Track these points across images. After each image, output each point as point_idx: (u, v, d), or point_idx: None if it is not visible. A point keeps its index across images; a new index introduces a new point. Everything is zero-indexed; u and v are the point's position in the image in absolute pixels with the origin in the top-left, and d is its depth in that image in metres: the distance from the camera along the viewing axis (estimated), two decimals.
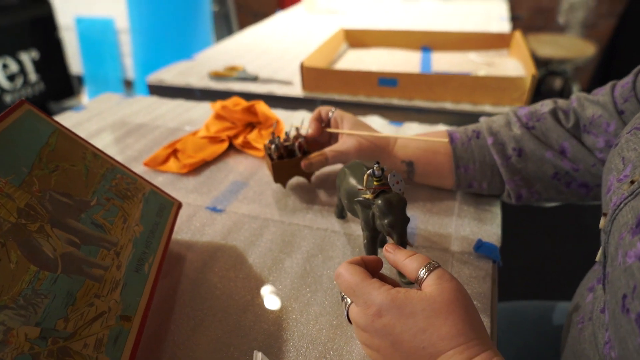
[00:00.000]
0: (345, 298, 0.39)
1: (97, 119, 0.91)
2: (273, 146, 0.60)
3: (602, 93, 0.52)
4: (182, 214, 0.61)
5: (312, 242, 0.55)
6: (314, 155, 0.58)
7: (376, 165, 0.44)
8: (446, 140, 0.55)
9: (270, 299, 0.48)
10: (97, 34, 2.59)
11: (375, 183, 0.44)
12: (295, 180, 0.67)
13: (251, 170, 0.72)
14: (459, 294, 0.33)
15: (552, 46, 2.58)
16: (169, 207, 0.53)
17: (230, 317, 0.45)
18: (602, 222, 0.37)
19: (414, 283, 0.37)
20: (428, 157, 0.59)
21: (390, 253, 0.40)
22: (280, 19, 1.78)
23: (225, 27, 2.87)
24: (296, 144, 0.61)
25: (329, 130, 0.63)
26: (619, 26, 3.07)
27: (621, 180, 0.36)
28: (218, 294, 0.48)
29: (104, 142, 0.81)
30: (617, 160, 0.38)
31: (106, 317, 0.37)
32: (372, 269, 0.39)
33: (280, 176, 0.62)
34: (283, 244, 0.55)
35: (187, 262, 0.53)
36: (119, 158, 0.75)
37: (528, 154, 0.55)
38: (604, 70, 3.15)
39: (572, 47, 2.57)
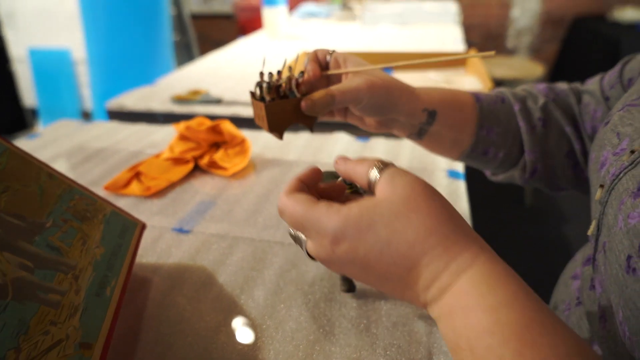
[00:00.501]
0: (297, 234, 0.34)
1: (52, 146, 0.87)
2: (265, 85, 0.45)
3: (592, 82, 0.54)
4: (147, 236, 0.58)
5: (284, 257, 0.54)
6: (318, 94, 0.44)
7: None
8: (492, 52, 0.36)
9: (243, 317, 0.45)
10: (52, 65, 2.52)
11: (347, 191, 0.44)
12: (266, 188, 0.65)
13: (218, 189, 0.70)
14: (418, 187, 0.29)
15: (504, 68, 2.71)
16: (132, 228, 0.51)
17: (202, 340, 0.43)
18: (599, 193, 0.36)
19: (368, 191, 0.32)
20: (453, 110, 0.51)
21: (340, 164, 0.35)
22: (242, 44, 1.79)
23: (186, 56, 2.86)
24: (293, 81, 0.46)
25: (330, 72, 0.48)
26: (562, 49, 3.28)
27: (618, 153, 0.36)
28: (187, 316, 0.46)
29: (60, 169, 0.77)
30: (611, 136, 0.38)
31: (64, 345, 0.34)
32: (314, 185, 0.35)
33: (276, 123, 0.47)
34: (254, 261, 0.53)
35: (154, 285, 0.50)
36: None
37: (551, 125, 0.53)
38: None
39: (522, 68, 2.71)
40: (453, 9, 2.07)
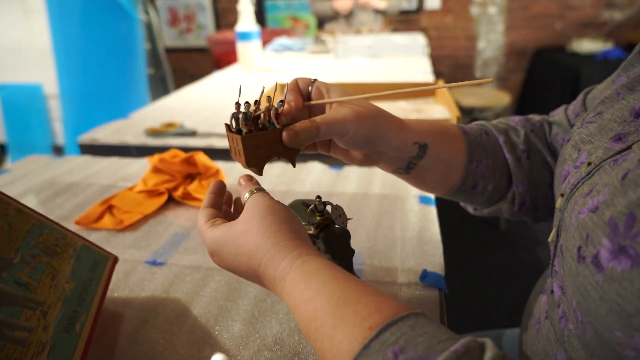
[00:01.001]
0: None
1: (21, 181, 0.85)
2: (241, 116, 0.41)
3: (557, 113, 0.57)
4: (119, 270, 0.57)
5: (259, 287, 0.54)
6: (301, 124, 0.41)
7: (317, 199, 0.45)
8: (490, 79, 0.39)
9: (218, 349, 0.45)
10: (23, 100, 2.48)
11: (318, 218, 0.45)
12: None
13: (192, 221, 0.69)
14: (258, 208, 0.37)
15: (473, 97, 2.82)
16: (103, 262, 0.50)
17: None
18: (559, 202, 0.39)
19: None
20: (444, 142, 0.50)
21: (240, 185, 0.42)
22: (216, 78, 1.82)
23: (161, 90, 2.87)
24: (272, 111, 0.42)
25: (313, 102, 0.45)
26: (527, 79, 3.44)
27: (578, 166, 0.39)
28: (160, 350, 0.45)
29: (29, 204, 0.76)
30: (571, 151, 0.42)
31: None
32: (222, 203, 0.45)
33: (254, 157, 0.43)
34: (229, 291, 0.53)
35: (126, 319, 0.49)
36: None
37: (535, 156, 0.54)
38: None
39: (490, 97, 2.82)
40: (421, 41, 2.15)
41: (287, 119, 0.44)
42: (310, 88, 0.45)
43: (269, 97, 0.43)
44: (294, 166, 0.45)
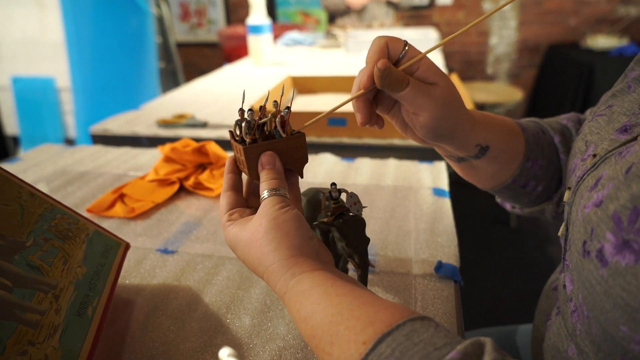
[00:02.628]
0: None
1: (33, 170, 0.85)
2: (244, 124, 0.39)
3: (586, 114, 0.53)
4: (131, 257, 0.57)
5: None
6: (399, 71, 0.37)
7: (332, 186, 0.44)
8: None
9: (230, 337, 0.44)
10: (35, 93, 2.51)
11: (333, 206, 0.44)
12: None
13: (204, 210, 0.69)
14: (264, 219, 0.36)
15: (485, 92, 2.78)
16: (115, 248, 0.50)
17: None
18: (567, 195, 0.39)
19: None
20: (506, 144, 0.47)
21: (261, 170, 0.40)
22: (227, 71, 1.81)
23: (172, 83, 2.88)
24: (278, 118, 0.39)
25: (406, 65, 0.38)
26: (539, 75, 3.39)
27: (585, 159, 0.38)
28: (172, 337, 0.44)
29: None
30: (580, 144, 0.41)
31: None
32: (245, 190, 0.44)
33: (258, 167, 0.40)
34: (241, 280, 0.53)
35: (137, 306, 0.49)
36: None
37: None
38: (532, 114, 3.43)
39: (503, 93, 2.79)
40: (433, 35, 2.13)
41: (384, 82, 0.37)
42: (401, 54, 0.38)
43: (275, 102, 0.40)
44: (302, 177, 0.43)
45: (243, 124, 0.39)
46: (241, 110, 0.39)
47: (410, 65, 0.38)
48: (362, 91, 0.39)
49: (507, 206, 0.58)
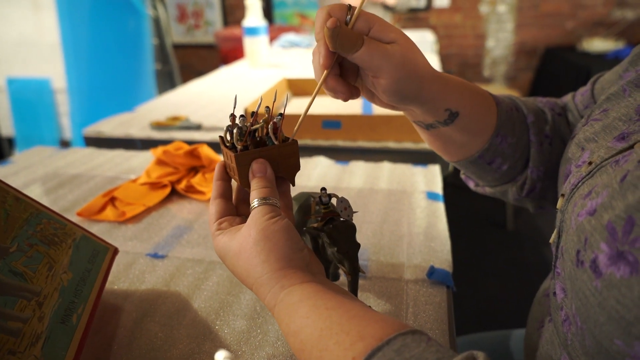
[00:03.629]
0: None
1: (25, 172, 0.85)
2: (235, 131, 0.38)
3: (566, 100, 0.53)
4: (120, 262, 0.56)
5: None
6: (349, 30, 0.36)
7: (322, 191, 0.43)
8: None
9: (218, 344, 0.44)
10: (31, 95, 2.49)
11: (323, 211, 0.43)
12: None
13: (195, 214, 0.68)
14: (253, 230, 0.36)
15: None
16: (103, 253, 0.49)
17: None
18: (560, 202, 0.38)
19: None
20: (477, 114, 0.45)
21: (252, 178, 0.39)
22: (223, 73, 1.81)
23: (169, 85, 2.87)
24: (270, 125, 0.39)
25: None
26: (536, 78, 3.40)
27: (579, 165, 0.38)
28: (160, 344, 0.44)
29: (31, 195, 0.75)
30: (575, 150, 0.40)
31: None
32: (230, 187, 0.42)
33: (249, 175, 0.40)
34: (231, 285, 0.52)
35: (125, 312, 0.48)
36: None
37: (557, 143, 0.50)
38: None
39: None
40: (430, 38, 2.13)
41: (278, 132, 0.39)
42: (348, 17, 0.37)
43: (267, 107, 0.39)
44: (294, 184, 0.42)
45: (234, 130, 0.38)
46: (232, 116, 0.39)
47: (362, 25, 0.37)
48: (326, 71, 0.38)
49: (471, 184, 0.56)
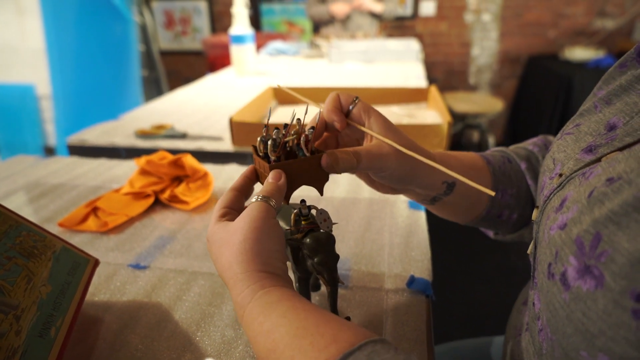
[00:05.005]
0: None
1: (6, 182, 0.84)
2: (270, 142, 0.41)
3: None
4: (101, 274, 0.56)
5: None
6: (343, 153, 0.41)
7: (302, 203, 0.44)
8: (492, 193, 0.37)
9: (199, 355, 0.44)
10: (14, 101, 2.46)
11: (303, 222, 0.44)
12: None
13: (179, 224, 0.68)
14: (245, 226, 0.36)
15: (467, 103, 2.83)
16: (83, 265, 0.49)
17: None
18: (534, 214, 0.39)
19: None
20: (470, 177, 0.46)
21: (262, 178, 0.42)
22: (210, 80, 1.81)
23: (155, 92, 2.86)
24: (302, 137, 0.41)
25: (359, 126, 0.44)
26: (520, 86, 3.46)
27: (552, 177, 0.39)
28: (139, 356, 0.44)
29: (12, 206, 0.74)
30: (549, 162, 0.42)
31: None
32: (250, 188, 0.44)
33: None
34: (212, 296, 0.52)
35: (105, 324, 0.48)
36: None
37: None
38: (513, 123, 3.48)
39: (484, 103, 2.83)
40: (415, 47, 2.16)
41: (321, 145, 0.45)
42: (351, 107, 0.44)
43: (299, 119, 0.42)
44: (322, 194, 0.44)
45: (269, 142, 0.41)
46: (267, 127, 0.42)
47: (358, 121, 0.44)
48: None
49: (490, 234, 0.60)
